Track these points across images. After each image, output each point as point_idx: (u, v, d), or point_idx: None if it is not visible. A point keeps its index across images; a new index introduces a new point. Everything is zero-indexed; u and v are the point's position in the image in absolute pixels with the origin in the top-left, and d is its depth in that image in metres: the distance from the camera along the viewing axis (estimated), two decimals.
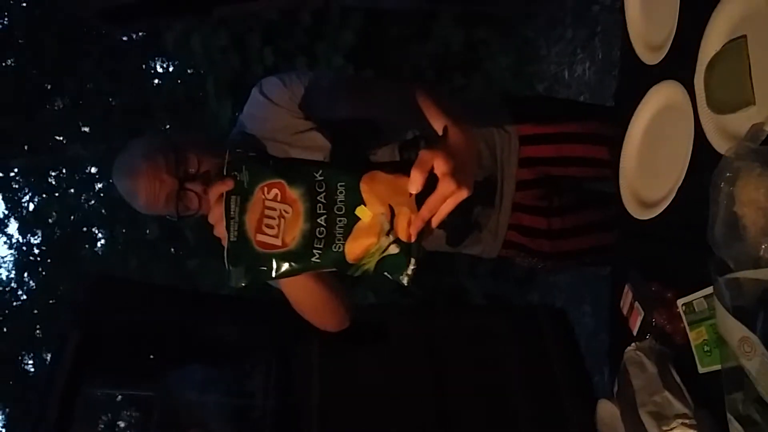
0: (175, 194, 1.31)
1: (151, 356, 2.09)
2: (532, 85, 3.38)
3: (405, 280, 0.99)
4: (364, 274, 1.01)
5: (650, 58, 1.28)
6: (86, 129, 5.49)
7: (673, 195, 1.17)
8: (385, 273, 1.00)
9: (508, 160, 1.51)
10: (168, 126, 4.71)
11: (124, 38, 5.41)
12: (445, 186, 0.94)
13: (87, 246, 5.42)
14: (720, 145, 1.06)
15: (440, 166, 0.94)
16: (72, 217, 5.36)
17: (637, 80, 1.31)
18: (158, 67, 5.61)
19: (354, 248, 0.98)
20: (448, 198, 0.95)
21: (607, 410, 1.27)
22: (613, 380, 1.27)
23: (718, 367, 1.02)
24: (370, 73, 3.51)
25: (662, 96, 1.24)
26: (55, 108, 5.72)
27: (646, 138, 1.30)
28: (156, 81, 5.50)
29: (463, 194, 0.95)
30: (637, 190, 1.30)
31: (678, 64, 1.19)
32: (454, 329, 1.74)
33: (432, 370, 1.73)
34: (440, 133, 1.06)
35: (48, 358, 6.11)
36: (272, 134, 1.40)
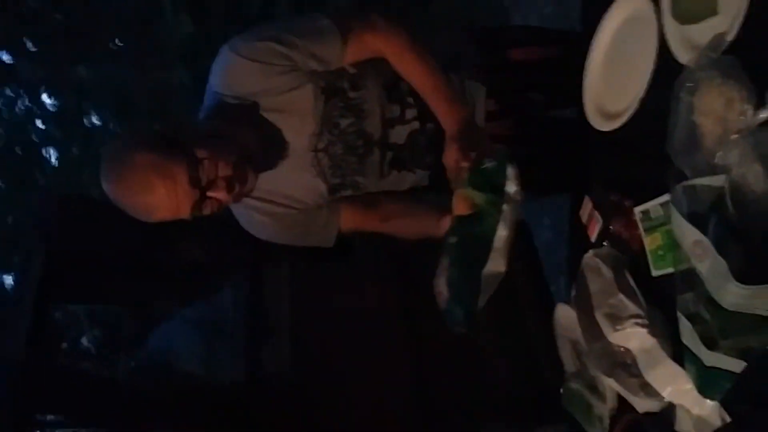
0: (198, 205, 1.22)
1: (117, 275, 2.10)
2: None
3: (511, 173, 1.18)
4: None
5: None
6: (32, 46, 5.24)
7: (636, 106, 1.20)
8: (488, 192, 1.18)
9: (476, 92, 1.50)
10: (120, 43, 4.51)
11: None
12: None
13: (39, 168, 5.28)
14: (683, 55, 1.08)
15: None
16: (23, 138, 5.19)
17: None
18: None
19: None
20: None
21: (564, 314, 1.33)
22: (570, 286, 1.33)
23: (670, 270, 1.08)
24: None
25: (627, 6, 1.25)
26: None
27: (611, 50, 1.32)
28: None
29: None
30: (601, 102, 1.32)
31: None
32: (420, 242, 1.77)
33: (399, 283, 1.77)
34: (441, 119, 1.30)
35: (7, 280, 6.03)
36: (258, 98, 1.30)
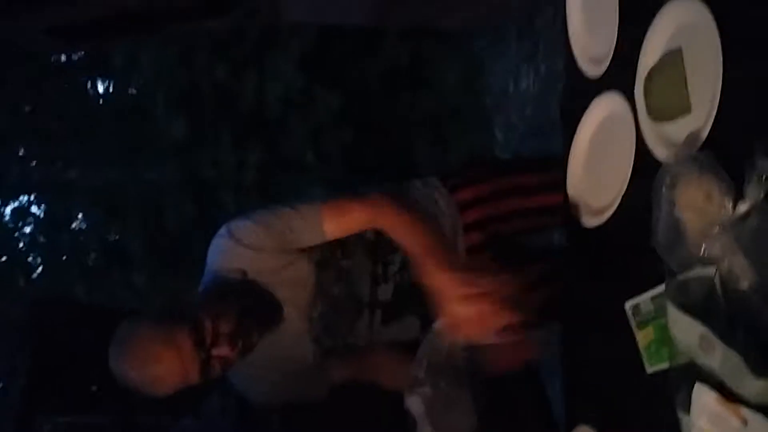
0: (205, 367, 1.26)
1: (99, 383, 2.05)
2: (481, 100, 3.44)
3: None
4: None
5: (593, 70, 1.33)
6: (23, 152, 5.30)
7: (618, 202, 1.21)
8: None
9: (456, 231, 1.52)
10: (112, 145, 4.57)
11: (62, 59, 5.24)
12: None
13: (24, 275, 5.21)
14: (660, 152, 1.11)
15: None
16: (7, 246, 5.15)
17: (581, 92, 1.35)
18: (99, 87, 5.46)
19: None
20: None
21: None
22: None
23: (665, 366, 1.05)
24: (318, 89, 3.51)
25: (605, 107, 1.29)
26: None
27: (592, 148, 1.35)
28: (100, 101, 5.36)
29: None
30: (584, 198, 1.34)
31: (619, 75, 1.24)
32: None
33: None
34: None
35: None
36: (254, 275, 1.37)
